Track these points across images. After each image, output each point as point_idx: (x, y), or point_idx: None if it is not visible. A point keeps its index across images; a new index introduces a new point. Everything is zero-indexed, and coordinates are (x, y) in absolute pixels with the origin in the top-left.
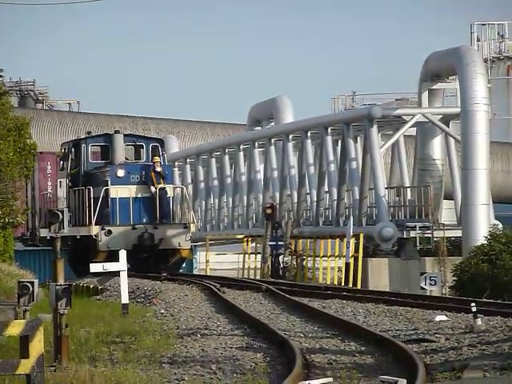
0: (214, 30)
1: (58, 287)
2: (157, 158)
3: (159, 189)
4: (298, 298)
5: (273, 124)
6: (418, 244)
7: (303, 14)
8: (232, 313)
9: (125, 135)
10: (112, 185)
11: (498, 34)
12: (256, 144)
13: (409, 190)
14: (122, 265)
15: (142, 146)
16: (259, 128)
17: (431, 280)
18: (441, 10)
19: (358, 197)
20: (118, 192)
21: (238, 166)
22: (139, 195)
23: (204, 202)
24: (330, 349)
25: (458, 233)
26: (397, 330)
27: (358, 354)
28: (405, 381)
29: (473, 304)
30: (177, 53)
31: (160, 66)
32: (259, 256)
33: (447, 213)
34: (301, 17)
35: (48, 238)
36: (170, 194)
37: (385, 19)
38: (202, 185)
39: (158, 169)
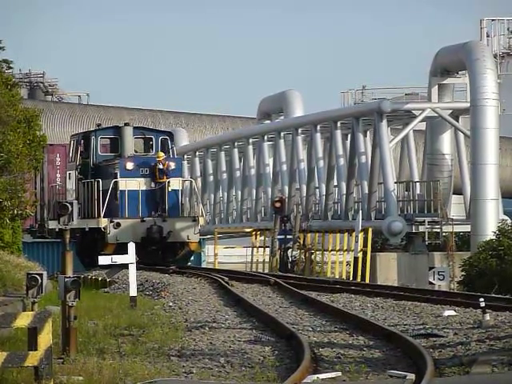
0: (225, 23)
1: (66, 279)
2: (160, 155)
3: (159, 183)
4: (306, 291)
5: (282, 117)
6: (426, 239)
7: (314, 8)
8: (240, 306)
9: (134, 128)
10: (121, 177)
11: (508, 29)
12: (265, 137)
13: (418, 184)
14: (130, 257)
15: (151, 139)
16: (269, 121)
17: (439, 275)
18: (451, 4)
19: (366, 191)
20: (126, 185)
21: (247, 159)
22: (148, 188)
23: (213, 195)
24: (339, 343)
25: (467, 228)
26: (405, 325)
27: (366, 348)
28: (413, 375)
29: (481, 299)
30: (187, 46)
31: (170, 58)
32: (268, 250)
33: (456, 208)
34: (311, 10)
35: (57, 229)
36: (176, 187)
37: (395, 13)
38: (211, 178)
39: (160, 166)
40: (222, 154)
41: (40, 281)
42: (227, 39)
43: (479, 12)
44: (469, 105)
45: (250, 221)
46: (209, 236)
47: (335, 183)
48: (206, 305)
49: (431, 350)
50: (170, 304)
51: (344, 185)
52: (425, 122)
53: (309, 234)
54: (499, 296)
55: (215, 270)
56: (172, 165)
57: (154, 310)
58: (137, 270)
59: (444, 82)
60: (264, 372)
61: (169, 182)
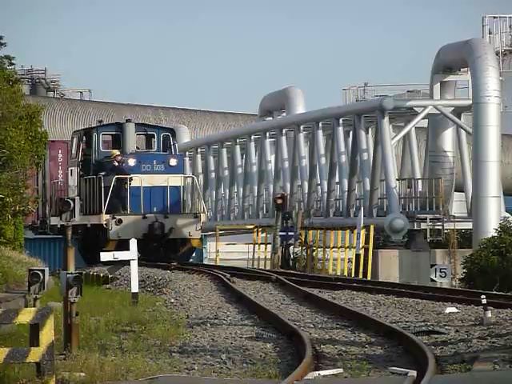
0: (227, 19)
1: (68, 275)
2: (114, 152)
3: (116, 179)
4: (307, 288)
5: (284, 114)
6: (428, 236)
7: (315, 6)
8: (242, 303)
9: (136, 124)
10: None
11: (510, 26)
12: (267, 134)
13: (420, 181)
14: (132, 254)
15: (153, 136)
16: (270, 118)
17: (441, 272)
18: (454, 1)
19: (368, 188)
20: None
21: (248, 156)
22: (150, 184)
23: (214, 192)
24: (340, 340)
25: (469, 225)
26: (407, 322)
27: (367, 345)
28: (415, 372)
29: (483, 296)
30: (189, 42)
31: (172, 55)
32: (269, 246)
33: (458, 205)
34: (313, 7)
35: (58, 226)
36: (177, 183)
37: (396, 11)
38: (213, 175)
39: (115, 163)
40: (224, 150)
41: (42, 277)
42: (229, 36)
43: (482, 9)
44: (471, 102)
45: (252, 218)
46: (210, 233)
47: (337, 180)
48: (208, 301)
49: (433, 347)
50: (172, 300)
51: (346, 182)
52: (427, 120)
53: (310, 231)
54: (501, 293)
55: (217, 266)
56: (173, 161)
57: (155, 307)
58: (138, 266)
59: (446, 80)
60: (265, 369)
61: (130, 178)
